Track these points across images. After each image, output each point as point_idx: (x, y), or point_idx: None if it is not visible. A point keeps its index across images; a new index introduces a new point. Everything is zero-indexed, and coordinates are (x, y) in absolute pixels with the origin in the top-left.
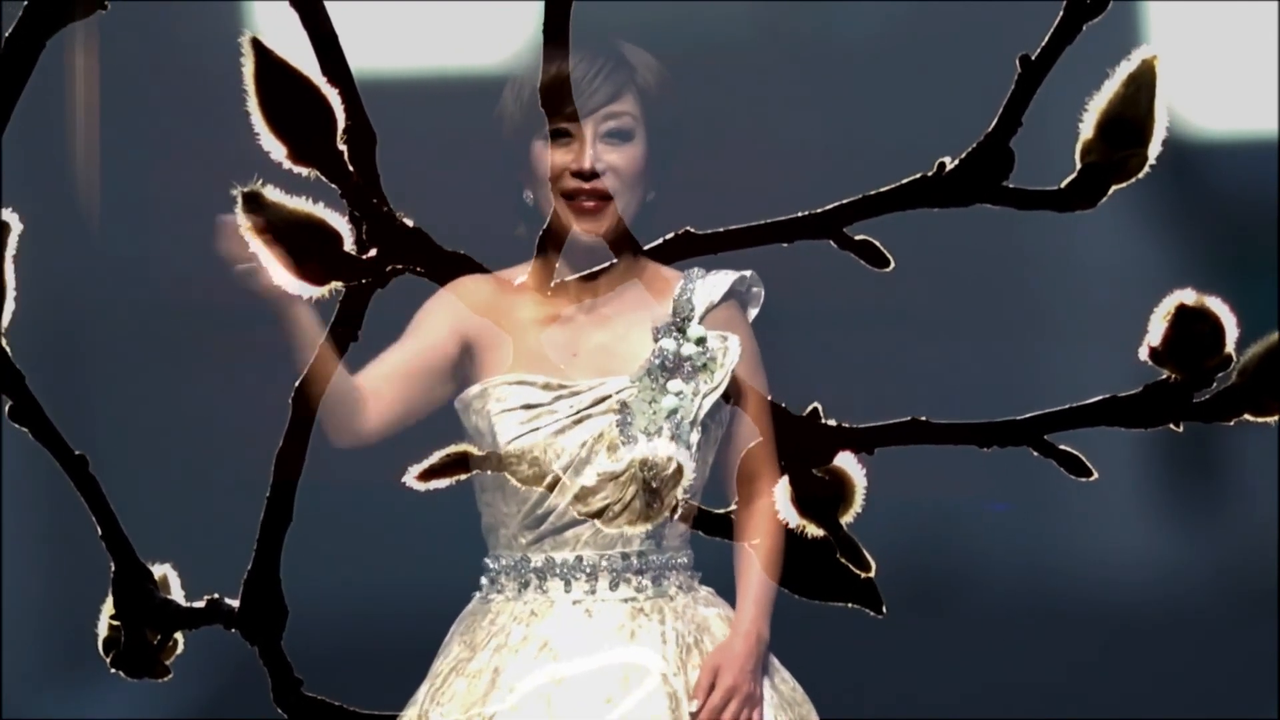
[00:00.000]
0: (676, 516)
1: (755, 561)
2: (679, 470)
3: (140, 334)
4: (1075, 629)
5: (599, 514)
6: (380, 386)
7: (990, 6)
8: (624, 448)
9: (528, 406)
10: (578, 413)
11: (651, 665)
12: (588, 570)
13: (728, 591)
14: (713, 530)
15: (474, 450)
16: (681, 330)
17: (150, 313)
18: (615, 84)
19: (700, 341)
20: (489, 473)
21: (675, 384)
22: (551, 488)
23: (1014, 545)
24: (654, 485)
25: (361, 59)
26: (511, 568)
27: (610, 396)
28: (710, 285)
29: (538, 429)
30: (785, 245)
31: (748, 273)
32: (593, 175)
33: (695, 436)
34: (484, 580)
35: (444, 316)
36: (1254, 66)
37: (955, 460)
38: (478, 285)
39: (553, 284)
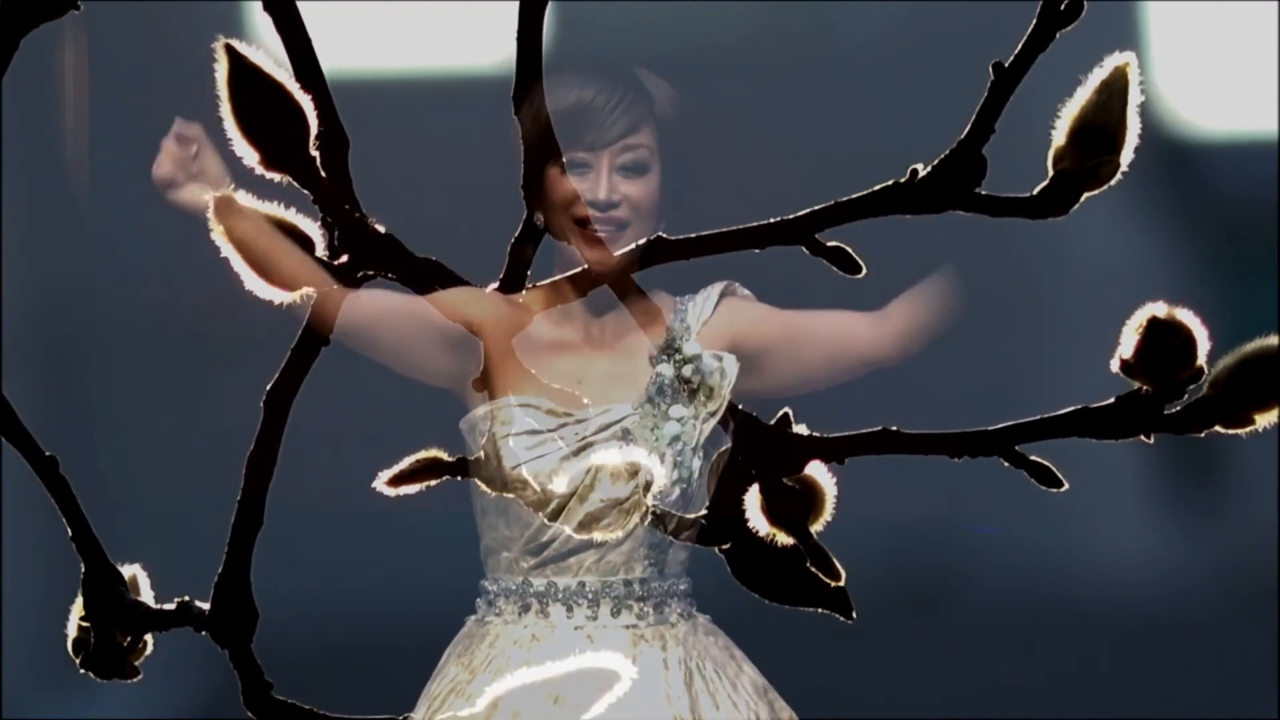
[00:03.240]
0: (678, 541)
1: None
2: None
3: (122, 334)
4: (1074, 629)
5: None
6: (363, 295)
7: (992, 7)
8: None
9: (533, 432)
10: (582, 440)
11: (654, 684)
12: (590, 596)
13: (725, 620)
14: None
15: (473, 461)
16: (677, 351)
17: (133, 313)
18: (634, 116)
19: (694, 359)
20: (492, 497)
21: (676, 409)
22: (556, 514)
23: (1013, 545)
24: (659, 512)
25: (335, 62)
26: (512, 591)
27: (614, 424)
28: (700, 302)
29: (543, 455)
30: (758, 251)
31: (735, 284)
32: (608, 206)
33: (697, 463)
34: (480, 603)
35: (457, 294)
36: (1254, 66)
37: (955, 461)
38: (493, 297)
39: (558, 309)
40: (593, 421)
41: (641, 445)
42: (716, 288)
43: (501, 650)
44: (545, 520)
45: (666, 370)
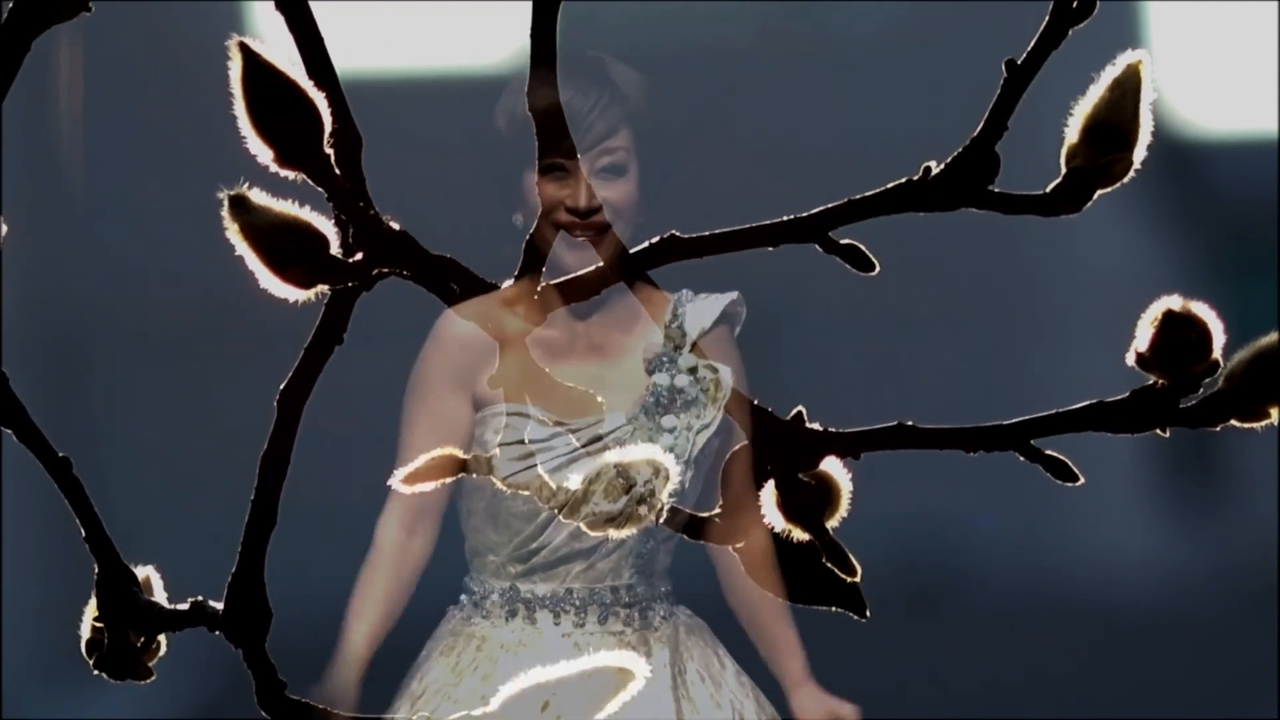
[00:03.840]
0: (663, 547)
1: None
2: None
3: (129, 334)
4: (1075, 629)
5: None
6: (429, 501)
7: (992, 7)
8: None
9: (525, 442)
10: (574, 451)
11: (642, 690)
12: (577, 604)
13: (725, 622)
14: (695, 534)
15: (466, 457)
16: (673, 361)
17: (133, 313)
18: (610, 119)
19: (692, 371)
20: (481, 504)
21: (669, 420)
22: (545, 525)
23: (1014, 545)
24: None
25: (347, 60)
26: (499, 595)
27: (607, 436)
28: (700, 310)
29: (535, 466)
30: (771, 250)
31: (734, 294)
32: (589, 212)
33: (688, 474)
34: (465, 601)
35: (452, 390)
36: (1254, 66)
37: (956, 460)
38: (470, 324)
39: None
40: (585, 433)
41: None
42: (720, 302)
43: (489, 654)
44: (536, 529)
45: (662, 380)
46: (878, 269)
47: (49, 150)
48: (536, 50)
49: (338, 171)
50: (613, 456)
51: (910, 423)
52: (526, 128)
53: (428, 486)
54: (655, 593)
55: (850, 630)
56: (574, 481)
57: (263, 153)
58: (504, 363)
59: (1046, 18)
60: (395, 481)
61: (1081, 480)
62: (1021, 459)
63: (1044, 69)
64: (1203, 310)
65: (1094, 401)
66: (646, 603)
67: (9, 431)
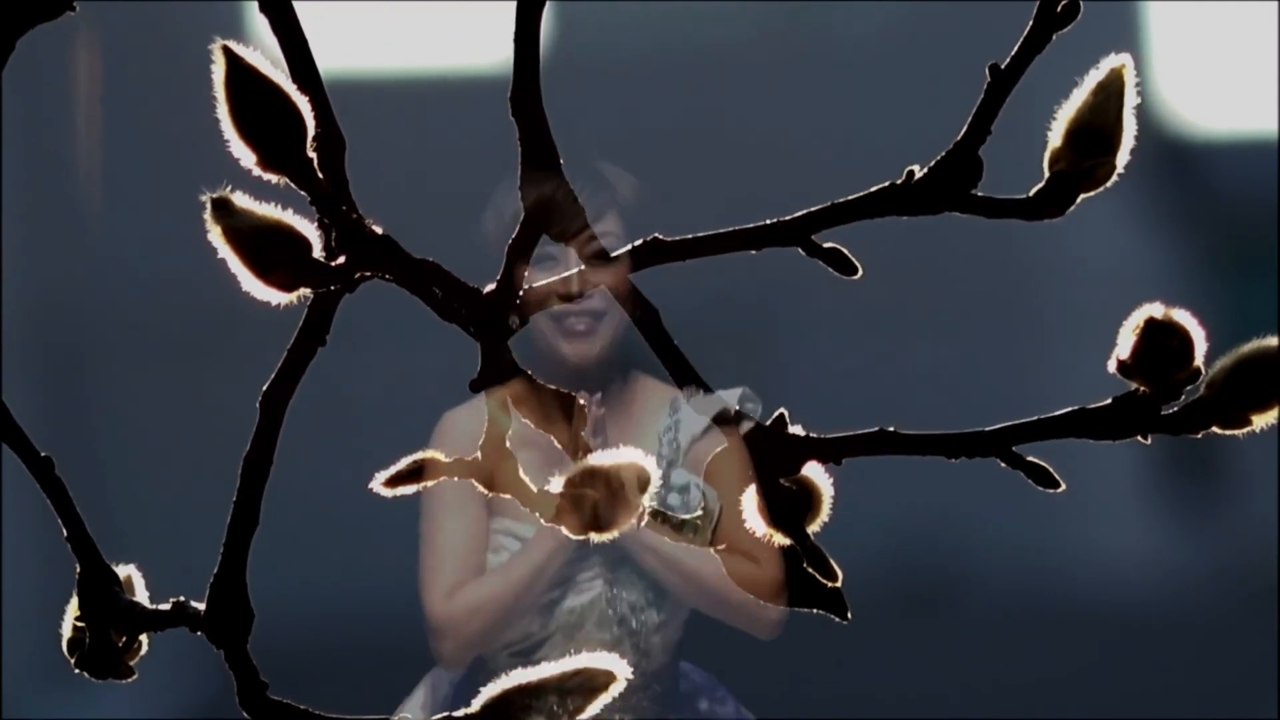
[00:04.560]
0: (661, 645)
1: None
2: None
3: (129, 334)
4: (1075, 629)
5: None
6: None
7: (991, 7)
8: (612, 621)
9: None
10: (566, 580)
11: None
12: None
13: (708, 653)
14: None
15: (449, 460)
16: (664, 480)
17: (133, 313)
18: (597, 204)
19: (683, 491)
20: None
21: None
22: (540, 643)
23: (1014, 546)
24: (642, 646)
25: (331, 61)
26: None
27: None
28: (697, 414)
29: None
30: (755, 252)
31: (738, 393)
32: (580, 296)
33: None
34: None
35: (469, 492)
36: (1254, 66)
37: (956, 461)
38: (471, 426)
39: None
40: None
41: (627, 589)
42: (716, 404)
43: None
44: (531, 647)
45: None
46: (860, 273)
47: (50, 150)
48: (519, 64)
49: (321, 175)
50: (594, 460)
51: (892, 428)
52: (514, 227)
53: (410, 489)
54: (653, 690)
55: (851, 631)
56: (565, 608)
57: (246, 156)
58: (504, 466)
59: (1030, 22)
60: (377, 484)
61: (1063, 487)
62: (1003, 465)
63: (1048, 71)
64: (1184, 318)
65: (1076, 408)
66: (644, 701)
67: None
